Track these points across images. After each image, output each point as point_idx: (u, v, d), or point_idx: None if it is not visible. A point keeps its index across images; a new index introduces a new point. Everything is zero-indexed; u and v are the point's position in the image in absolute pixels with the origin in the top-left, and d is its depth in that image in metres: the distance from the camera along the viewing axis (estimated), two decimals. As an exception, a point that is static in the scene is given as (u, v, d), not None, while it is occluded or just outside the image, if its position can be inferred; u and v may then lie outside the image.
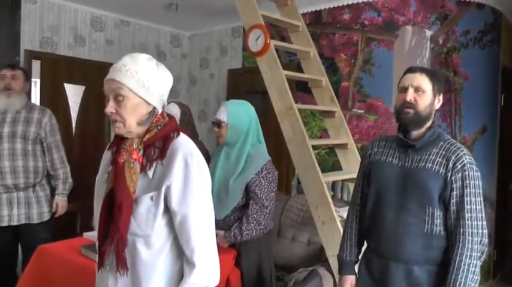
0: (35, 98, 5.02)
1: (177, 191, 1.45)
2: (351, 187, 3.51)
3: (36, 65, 4.72)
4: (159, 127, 1.51)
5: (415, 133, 1.92)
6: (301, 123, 3.00)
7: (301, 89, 4.23)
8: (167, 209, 1.47)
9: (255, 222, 2.43)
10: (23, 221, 3.24)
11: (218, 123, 2.50)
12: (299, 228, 3.57)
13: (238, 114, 2.49)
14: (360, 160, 3.46)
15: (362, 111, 4.42)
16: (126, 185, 1.44)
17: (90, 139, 5.19)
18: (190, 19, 5.38)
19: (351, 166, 3.49)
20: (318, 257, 3.31)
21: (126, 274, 1.47)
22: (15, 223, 3.22)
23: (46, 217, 3.35)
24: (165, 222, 1.49)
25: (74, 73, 5.04)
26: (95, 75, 5.17)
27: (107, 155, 1.65)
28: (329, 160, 4.34)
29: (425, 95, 1.87)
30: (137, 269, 1.48)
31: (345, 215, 3.00)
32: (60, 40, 4.90)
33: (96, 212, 1.60)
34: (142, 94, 1.46)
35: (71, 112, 5.07)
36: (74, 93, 5.13)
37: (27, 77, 3.40)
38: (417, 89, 1.87)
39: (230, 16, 5.01)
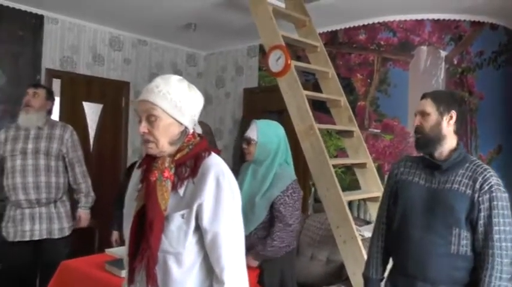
0: (55, 115, 5.09)
1: (209, 210, 1.47)
2: (370, 206, 3.52)
3: (56, 83, 4.81)
4: (190, 147, 1.54)
5: (436, 154, 1.96)
6: (322, 142, 3.03)
7: (318, 109, 4.27)
8: (198, 227, 1.49)
9: (279, 240, 2.46)
10: (45, 236, 3.28)
11: (248, 141, 2.57)
12: (318, 246, 3.58)
13: (268, 133, 2.57)
14: (378, 179, 3.51)
15: (378, 130, 4.46)
16: (157, 203, 1.46)
17: (107, 156, 5.27)
18: (207, 39, 5.48)
19: (369, 185, 3.51)
20: (338, 275, 3.31)
21: None
22: (36, 237, 3.26)
23: (67, 232, 3.40)
24: (196, 240, 1.51)
25: (93, 91, 5.14)
26: (112, 93, 5.30)
27: (136, 174, 1.68)
28: (345, 179, 4.36)
29: (429, 117, 1.95)
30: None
31: (365, 234, 3.03)
32: (80, 59, 5.01)
33: (126, 229, 1.62)
34: (174, 114, 1.49)
35: (89, 130, 5.15)
36: (92, 111, 5.21)
37: (50, 96, 3.46)
38: (422, 114, 1.98)
39: (246, 36, 5.10)
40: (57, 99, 4.90)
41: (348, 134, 3.58)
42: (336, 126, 3.53)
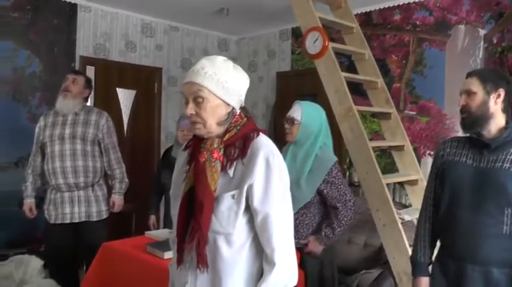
0: (89, 102, 5.17)
1: (259, 190, 1.47)
2: (408, 189, 3.47)
3: (90, 70, 4.87)
4: (238, 127, 1.53)
5: (485, 133, 1.91)
6: (361, 124, 2.99)
7: (353, 92, 4.19)
8: (248, 208, 1.49)
9: (345, 219, 2.50)
10: (83, 219, 3.37)
11: (291, 121, 2.55)
12: (355, 231, 3.56)
13: (312, 115, 2.55)
14: (416, 162, 3.45)
15: (414, 113, 4.38)
16: (207, 184, 1.46)
17: (141, 142, 5.33)
18: (239, 23, 5.45)
19: (407, 168, 3.46)
20: (375, 259, 3.29)
21: (206, 271, 1.49)
22: (76, 220, 3.35)
23: (104, 215, 3.47)
24: (246, 220, 1.50)
25: (126, 78, 5.20)
26: (145, 79, 5.34)
27: (182, 156, 1.67)
28: (381, 162, 4.29)
29: (475, 96, 1.91)
30: (217, 267, 1.50)
31: (405, 217, 2.99)
32: (112, 46, 5.05)
33: (173, 210, 1.62)
34: (221, 95, 1.48)
35: (123, 116, 5.22)
36: (125, 98, 5.27)
37: (88, 84, 3.52)
38: (468, 93, 1.93)
39: (278, 19, 5.05)
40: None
41: (385, 116, 3.52)
42: (373, 108, 3.48)
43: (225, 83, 1.48)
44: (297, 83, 5.20)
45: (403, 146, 3.44)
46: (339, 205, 2.50)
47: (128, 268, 2.73)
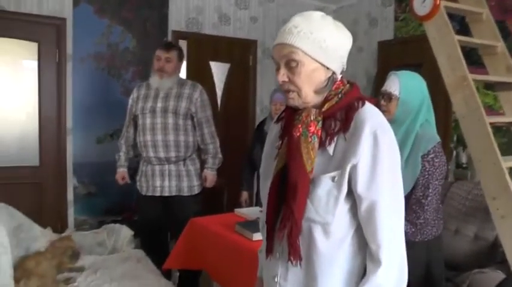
0: (182, 76, 5.14)
1: (365, 173, 1.20)
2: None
3: (182, 44, 4.80)
4: (339, 95, 1.27)
5: None
6: (477, 96, 2.53)
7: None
8: (350, 193, 1.23)
9: (413, 214, 2.08)
10: (174, 193, 3.33)
11: (388, 96, 2.15)
12: (464, 219, 3.11)
13: (412, 88, 2.13)
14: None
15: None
16: (302, 163, 1.23)
17: (235, 116, 5.22)
18: (337, -10, 5.06)
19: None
20: (488, 256, 2.84)
21: (299, 265, 1.27)
22: (166, 193, 3.33)
23: (196, 190, 3.41)
24: (348, 207, 1.25)
25: (219, 51, 5.08)
26: (239, 52, 5.21)
27: (274, 129, 1.46)
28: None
29: None
30: (313, 261, 1.27)
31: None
32: (205, 20, 4.94)
33: (263, 191, 1.42)
34: (319, 57, 1.23)
35: (216, 89, 5.13)
36: (219, 71, 5.16)
37: (181, 57, 3.42)
38: None
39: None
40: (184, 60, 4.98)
41: (505, 87, 2.99)
42: (492, 77, 2.95)
43: (323, 43, 1.23)
44: (400, 52, 4.75)
45: (525, 123, 2.91)
46: (412, 195, 2.08)
47: (215, 246, 2.67)
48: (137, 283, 2.58)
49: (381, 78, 4.90)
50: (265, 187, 1.38)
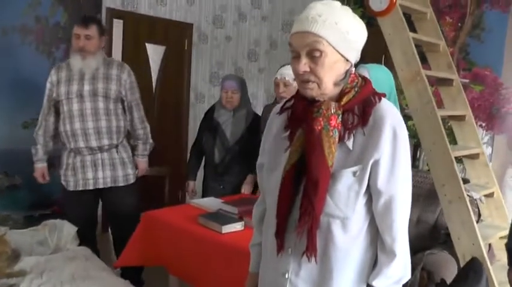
0: (117, 57, 4.89)
1: (385, 168, 1.23)
2: (467, 164, 3.20)
3: (118, 24, 4.59)
4: (356, 89, 1.27)
5: None
6: (430, 90, 2.70)
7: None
8: (367, 187, 1.25)
9: None
10: (109, 185, 3.08)
11: None
12: (406, 204, 3.31)
13: (381, 80, 2.16)
14: (477, 133, 3.18)
15: (467, 80, 4.05)
16: (324, 157, 1.21)
17: (170, 101, 5.08)
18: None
19: (467, 140, 3.18)
20: (430, 237, 3.05)
21: (314, 260, 1.26)
22: (101, 186, 3.06)
23: (132, 179, 3.18)
24: (365, 202, 1.27)
25: (156, 33, 4.90)
26: (175, 35, 5.06)
27: (277, 120, 1.42)
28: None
29: None
30: (329, 256, 1.27)
31: (474, 195, 2.74)
32: (142, -1, 4.71)
33: (267, 184, 1.40)
34: (342, 49, 1.22)
35: (151, 73, 4.94)
36: (154, 53, 4.96)
37: (102, 31, 3.08)
38: None
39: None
40: (119, 41, 4.73)
41: (446, 82, 3.21)
42: (440, 73, 3.15)
43: (347, 34, 1.21)
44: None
45: (464, 116, 3.15)
46: None
47: (176, 240, 2.51)
48: (92, 284, 2.35)
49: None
50: (270, 179, 1.36)
